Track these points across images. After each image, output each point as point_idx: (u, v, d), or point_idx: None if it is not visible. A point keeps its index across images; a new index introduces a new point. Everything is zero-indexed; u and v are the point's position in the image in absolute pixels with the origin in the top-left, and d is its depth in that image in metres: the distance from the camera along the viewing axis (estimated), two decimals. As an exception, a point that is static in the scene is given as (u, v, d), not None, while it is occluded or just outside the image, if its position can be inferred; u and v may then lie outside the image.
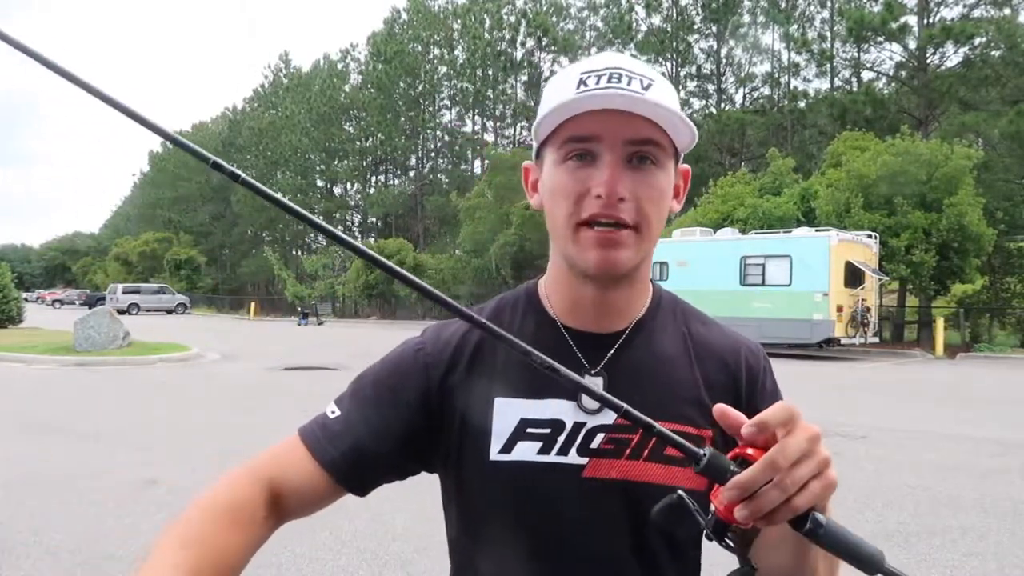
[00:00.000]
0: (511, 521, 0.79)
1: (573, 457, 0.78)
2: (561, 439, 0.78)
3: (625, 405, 0.60)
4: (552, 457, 0.78)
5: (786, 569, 0.73)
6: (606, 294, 0.81)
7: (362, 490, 0.84)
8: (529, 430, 0.79)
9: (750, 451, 0.61)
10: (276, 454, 0.83)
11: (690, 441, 0.66)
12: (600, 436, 0.79)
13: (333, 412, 0.85)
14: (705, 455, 0.60)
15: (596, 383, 0.80)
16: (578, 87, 0.75)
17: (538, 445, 0.78)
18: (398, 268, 0.64)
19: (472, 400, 0.81)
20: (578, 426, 0.79)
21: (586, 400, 0.79)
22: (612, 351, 0.83)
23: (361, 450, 0.82)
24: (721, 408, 0.62)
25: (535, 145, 0.83)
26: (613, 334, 0.84)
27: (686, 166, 0.87)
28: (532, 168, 0.85)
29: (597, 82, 0.75)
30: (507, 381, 0.80)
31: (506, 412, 0.79)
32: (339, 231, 0.64)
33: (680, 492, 0.64)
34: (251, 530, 0.75)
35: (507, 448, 0.79)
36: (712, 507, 0.61)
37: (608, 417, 0.78)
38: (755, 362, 0.88)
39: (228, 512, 0.75)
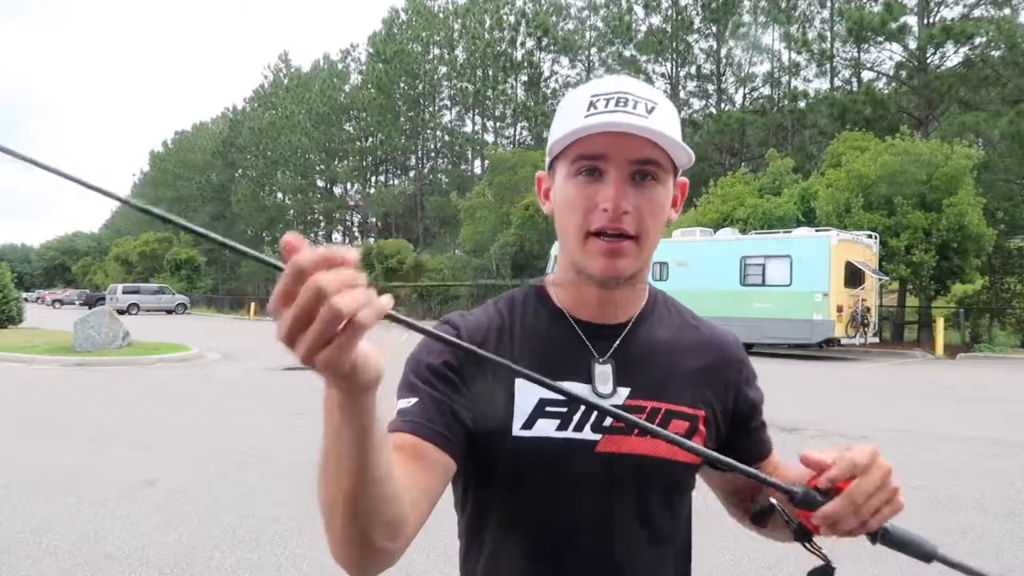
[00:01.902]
0: (531, 490, 0.88)
1: (587, 433, 0.88)
2: (577, 417, 0.88)
3: (641, 422, 0.70)
4: (569, 433, 0.87)
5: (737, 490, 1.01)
6: (610, 292, 0.91)
7: (449, 444, 0.86)
8: (548, 408, 0.87)
9: (833, 478, 0.75)
10: None
11: (684, 419, 0.91)
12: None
13: (408, 402, 0.88)
14: (798, 493, 0.75)
15: (606, 370, 0.90)
16: (588, 109, 0.84)
17: (556, 422, 0.87)
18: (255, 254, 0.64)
19: (497, 380, 0.88)
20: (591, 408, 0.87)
21: (599, 384, 0.89)
22: (618, 341, 0.92)
23: (448, 424, 0.87)
24: (806, 454, 0.78)
25: (548, 158, 0.92)
26: (617, 325, 0.93)
27: (684, 179, 0.95)
28: (544, 178, 0.94)
29: (606, 105, 0.83)
30: (528, 364, 0.81)
31: (527, 392, 0.87)
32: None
33: (774, 501, 0.84)
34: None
35: (528, 424, 0.87)
36: (798, 518, 0.80)
37: (619, 398, 0.89)
38: (741, 355, 1.03)
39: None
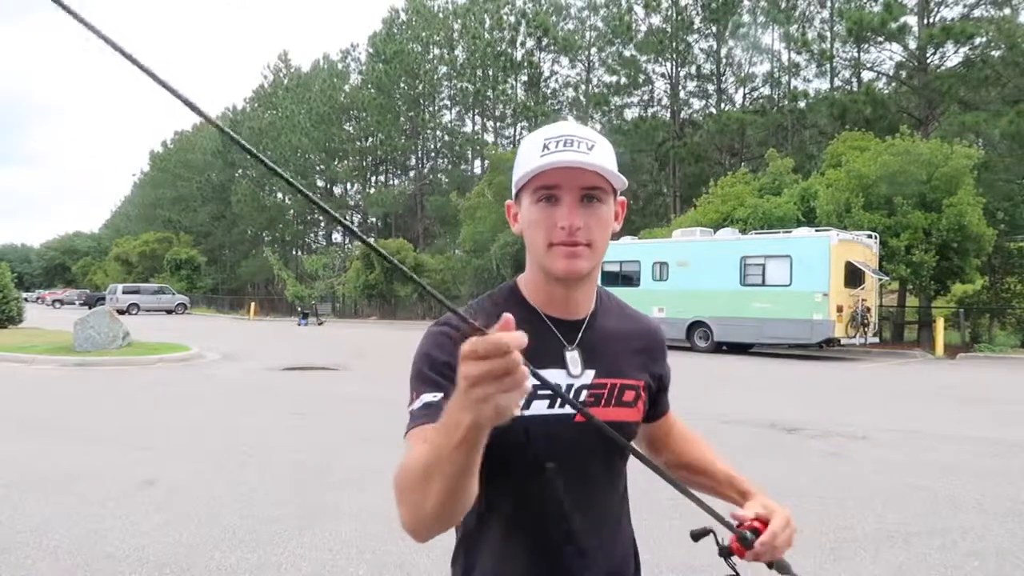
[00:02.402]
0: (527, 457, 1.10)
1: (567, 408, 1.10)
2: (561, 397, 1.09)
3: (593, 418, 0.95)
4: (556, 410, 1.11)
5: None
6: (572, 291, 1.15)
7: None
8: (539, 392, 1.09)
9: (758, 524, 1.11)
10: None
11: (632, 389, 1.19)
12: (584, 392, 1.14)
13: (435, 397, 1.05)
14: (751, 538, 1.09)
15: (575, 356, 1.16)
16: (543, 150, 1.08)
17: (546, 402, 1.11)
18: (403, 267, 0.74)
19: None
20: (569, 387, 1.14)
21: (571, 367, 1.14)
22: (582, 332, 1.18)
23: None
24: (738, 515, 1.13)
25: (514, 190, 1.15)
26: (579, 320, 1.18)
27: (623, 198, 1.19)
28: (512, 205, 1.18)
29: (556, 146, 1.08)
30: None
31: None
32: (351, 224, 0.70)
33: (711, 529, 1.14)
34: None
35: (526, 406, 1.08)
36: (728, 543, 1.12)
37: (587, 378, 1.15)
38: (662, 338, 1.32)
39: None
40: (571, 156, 1.06)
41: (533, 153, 1.09)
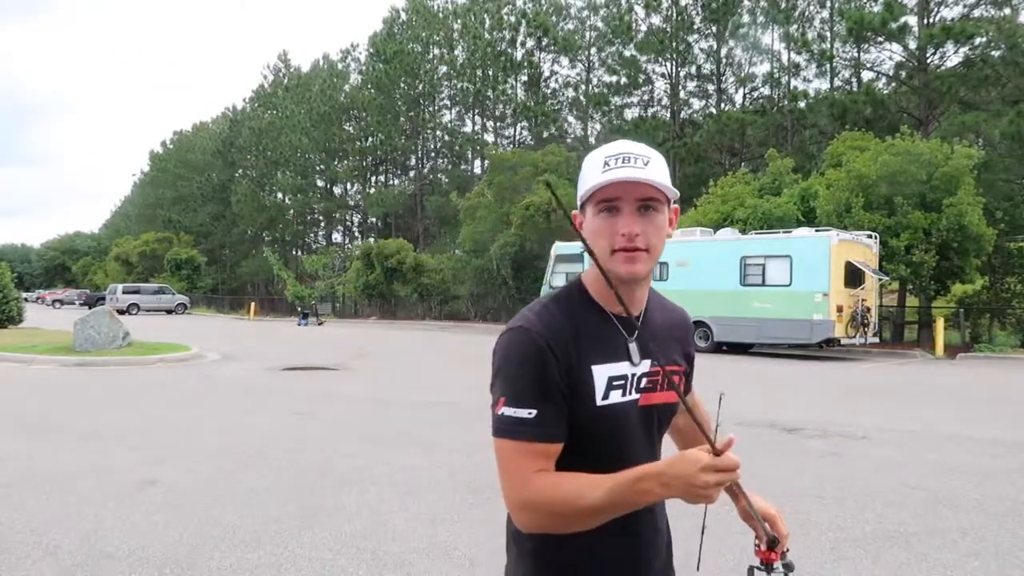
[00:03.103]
0: (608, 439, 1.27)
1: (634, 394, 1.29)
2: (629, 385, 1.29)
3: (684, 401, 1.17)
4: (628, 396, 1.28)
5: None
6: (631, 291, 1.29)
7: (564, 439, 1.25)
8: (615, 383, 1.27)
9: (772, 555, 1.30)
10: (529, 472, 1.21)
11: (677, 374, 1.39)
12: (644, 380, 1.30)
13: (530, 413, 1.20)
14: (775, 538, 1.30)
15: (634, 347, 1.30)
16: (604, 167, 1.22)
17: (620, 391, 1.27)
18: None
19: (581, 369, 1.24)
20: (633, 376, 1.29)
21: (633, 357, 1.29)
22: (639, 326, 1.32)
23: (558, 416, 1.22)
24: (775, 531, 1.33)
25: (579, 203, 1.29)
26: (633, 317, 1.31)
27: (675, 206, 1.31)
28: (578, 215, 1.31)
29: (616, 163, 1.21)
30: (596, 353, 1.26)
31: (600, 374, 1.25)
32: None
33: (754, 567, 1.30)
34: None
35: (605, 396, 1.25)
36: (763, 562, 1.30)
37: (644, 367, 1.30)
38: (690, 321, 1.51)
39: None
40: (628, 172, 1.19)
41: (595, 170, 1.23)
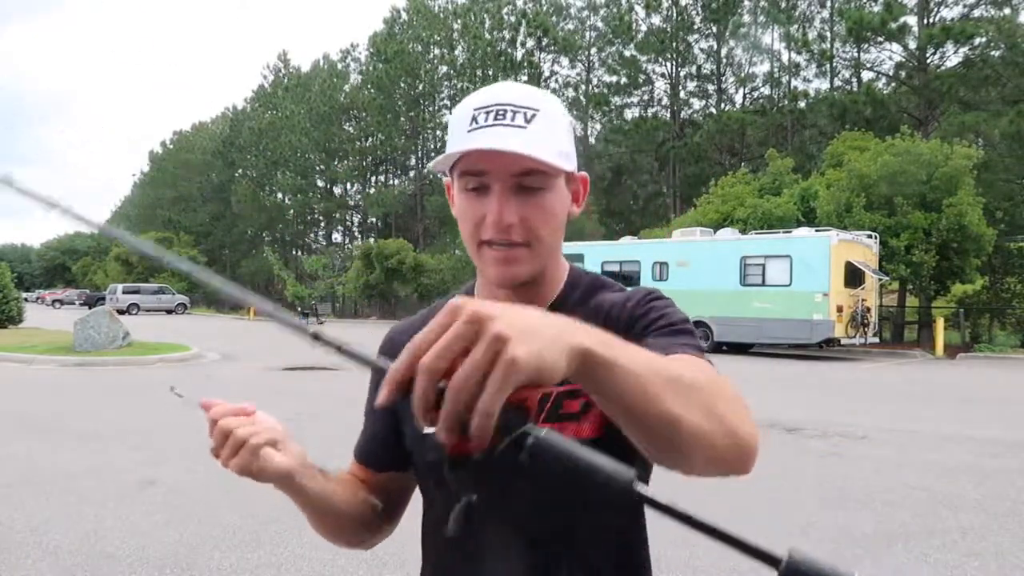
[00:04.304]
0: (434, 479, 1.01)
1: None
2: None
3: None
4: None
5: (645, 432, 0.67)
6: (518, 295, 0.95)
7: (377, 465, 1.10)
8: None
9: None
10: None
11: (575, 397, 0.89)
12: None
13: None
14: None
15: None
16: (471, 124, 0.87)
17: None
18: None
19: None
20: None
21: None
22: None
23: (373, 434, 1.09)
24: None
25: (448, 166, 0.94)
26: None
27: (582, 173, 0.97)
28: (450, 184, 0.97)
29: (485, 119, 0.86)
30: None
31: None
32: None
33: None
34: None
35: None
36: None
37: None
38: (635, 306, 0.95)
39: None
40: (496, 137, 0.84)
41: (461, 127, 0.88)
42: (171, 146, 75.22)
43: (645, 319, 0.92)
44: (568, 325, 0.59)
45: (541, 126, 0.86)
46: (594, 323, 0.80)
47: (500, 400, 0.52)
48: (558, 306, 0.97)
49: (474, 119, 0.86)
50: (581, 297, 0.99)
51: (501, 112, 0.86)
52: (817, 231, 17.88)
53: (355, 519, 1.04)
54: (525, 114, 0.86)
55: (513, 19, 46.11)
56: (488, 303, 0.55)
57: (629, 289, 1.00)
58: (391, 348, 1.06)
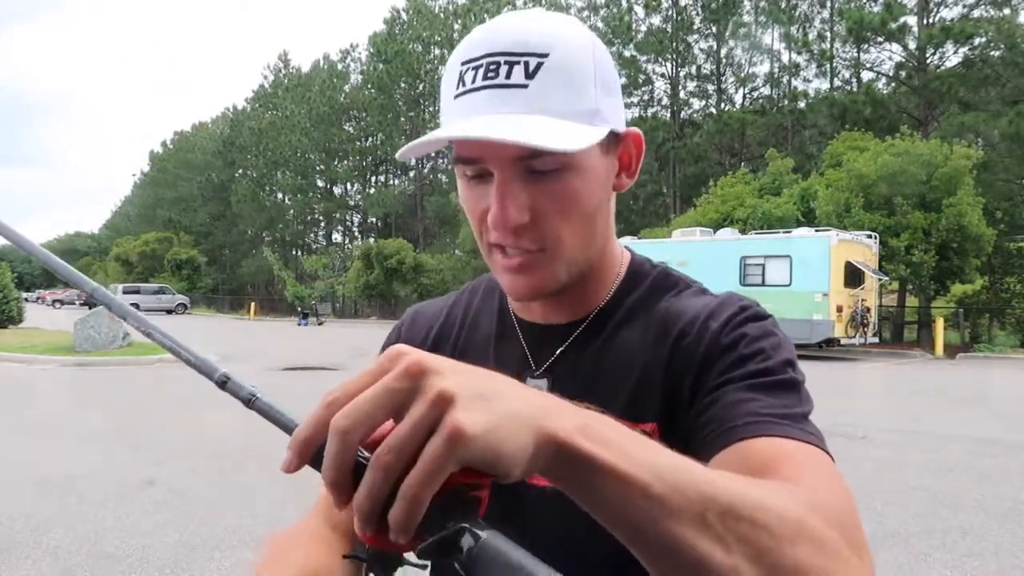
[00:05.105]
0: None
1: None
2: None
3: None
4: None
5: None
6: (549, 299, 0.74)
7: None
8: None
9: None
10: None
11: None
12: None
13: None
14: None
15: (540, 386, 0.73)
16: (458, 86, 0.65)
17: None
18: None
19: None
20: None
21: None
22: (560, 349, 0.75)
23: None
24: None
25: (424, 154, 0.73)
26: (568, 325, 0.75)
27: (633, 129, 0.71)
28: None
29: (474, 79, 0.63)
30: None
31: None
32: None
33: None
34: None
35: None
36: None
37: None
38: (720, 330, 0.69)
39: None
40: (480, 113, 0.62)
41: (448, 91, 0.66)
42: (171, 146, 75.24)
43: (729, 355, 0.66)
44: (549, 402, 0.44)
45: (550, 80, 0.62)
46: (659, 338, 0.70)
47: (434, 481, 0.38)
48: (612, 310, 0.75)
49: (461, 79, 0.65)
50: (643, 297, 0.75)
51: (493, 67, 0.62)
52: (817, 231, 17.89)
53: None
54: (526, 65, 0.62)
55: (513, 19, 46.16)
56: (440, 359, 0.41)
57: (713, 294, 0.75)
58: (411, 326, 0.88)
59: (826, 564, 0.44)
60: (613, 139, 0.69)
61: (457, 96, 0.64)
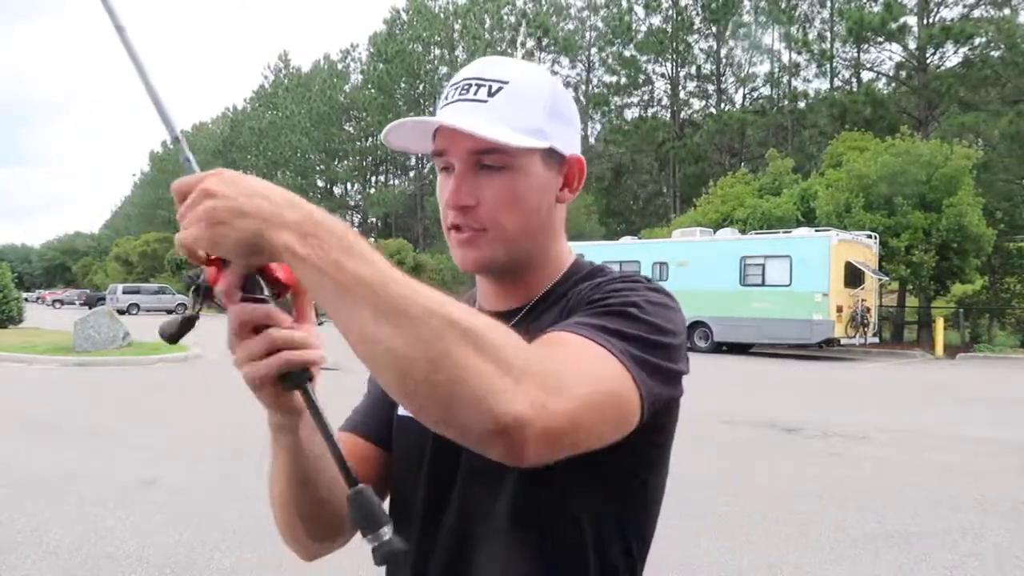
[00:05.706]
0: (399, 462, 0.95)
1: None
2: None
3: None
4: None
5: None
6: (496, 280, 0.90)
7: (373, 435, 0.96)
8: None
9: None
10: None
11: None
12: None
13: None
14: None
15: None
16: (443, 101, 0.84)
17: None
18: None
19: None
20: None
21: None
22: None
23: (373, 405, 0.97)
24: None
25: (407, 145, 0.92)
26: (509, 312, 0.88)
27: (574, 154, 0.86)
28: None
29: (452, 95, 0.82)
30: None
31: None
32: None
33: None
34: None
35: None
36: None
37: None
38: (598, 287, 0.82)
39: None
40: (454, 115, 0.80)
41: (438, 107, 0.85)
42: (171, 146, 75.02)
43: (586, 305, 0.79)
44: (295, 201, 0.65)
45: (506, 100, 0.79)
46: (561, 308, 0.85)
47: (198, 226, 0.68)
48: (546, 298, 0.88)
49: (446, 96, 0.83)
50: (568, 286, 0.88)
51: (466, 87, 0.81)
52: (817, 231, 17.89)
53: (332, 506, 0.89)
54: (490, 87, 0.80)
55: (513, 19, 46.15)
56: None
57: (613, 274, 0.89)
58: None
59: (479, 365, 0.58)
60: (557, 158, 0.85)
61: (440, 108, 0.83)
